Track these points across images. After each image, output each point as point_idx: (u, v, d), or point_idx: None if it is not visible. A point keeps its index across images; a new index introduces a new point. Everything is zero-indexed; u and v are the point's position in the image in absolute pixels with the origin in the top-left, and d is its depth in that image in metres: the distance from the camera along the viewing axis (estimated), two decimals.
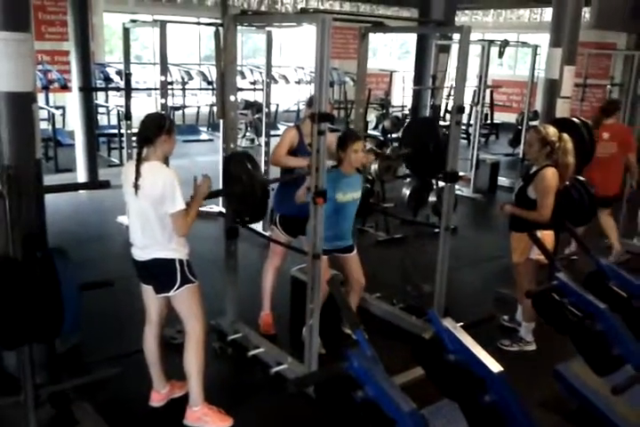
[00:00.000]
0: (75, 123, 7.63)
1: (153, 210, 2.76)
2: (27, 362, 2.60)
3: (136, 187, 2.74)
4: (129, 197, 2.83)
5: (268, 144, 6.05)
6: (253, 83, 12.00)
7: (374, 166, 4.63)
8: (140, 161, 2.76)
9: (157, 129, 2.79)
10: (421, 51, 8.22)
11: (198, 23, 9.54)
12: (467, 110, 8.12)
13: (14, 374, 2.89)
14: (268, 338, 3.64)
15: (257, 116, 10.19)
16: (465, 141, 9.93)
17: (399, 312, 4.07)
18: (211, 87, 11.56)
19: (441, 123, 8.95)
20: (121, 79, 9.50)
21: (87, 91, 7.44)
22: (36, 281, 2.46)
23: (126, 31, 6.07)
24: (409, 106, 10.59)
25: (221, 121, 6.48)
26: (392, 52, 17.72)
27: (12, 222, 2.55)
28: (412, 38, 14.51)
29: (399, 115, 10.95)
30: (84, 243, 5.25)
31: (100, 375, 2.98)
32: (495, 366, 1.73)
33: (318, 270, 3.07)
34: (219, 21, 6.47)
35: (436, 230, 3.89)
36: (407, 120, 9.69)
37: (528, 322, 3.82)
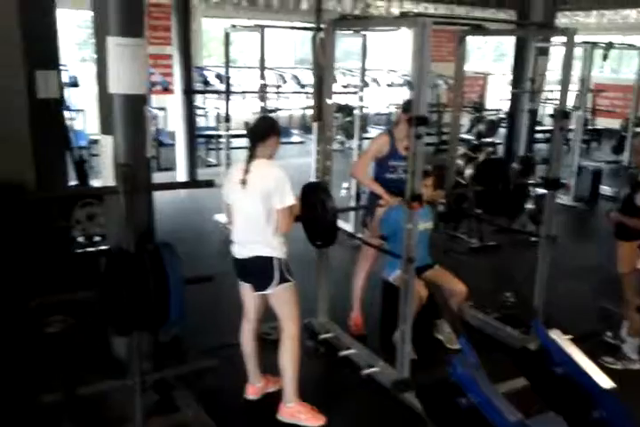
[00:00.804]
0: (176, 124, 7.99)
1: (260, 205, 2.86)
2: (135, 349, 2.76)
3: (244, 182, 2.85)
4: (235, 194, 2.94)
5: (360, 147, 6.09)
6: (345, 86, 12.07)
7: (468, 171, 4.57)
8: (251, 158, 2.89)
9: (270, 129, 2.94)
10: (520, 53, 8.01)
11: (297, 28, 9.72)
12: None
13: (122, 360, 3.07)
14: (358, 339, 3.66)
15: (347, 119, 10.25)
16: (565, 147, 9.54)
17: (494, 322, 3.97)
18: (304, 91, 11.74)
19: (538, 128, 8.68)
20: (221, 82, 9.86)
21: (189, 93, 7.77)
22: (146, 273, 2.61)
23: (227, 36, 6.30)
24: (503, 109, 10.34)
25: (315, 124, 6.66)
26: (486, 55, 17.31)
27: (126, 217, 2.72)
28: (507, 41, 14.16)
29: (493, 118, 10.68)
30: (183, 239, 5.46)
31: (199, 366, 3.11)
32: (606, 382, 1.66)
33: (412, 274, 3.06)
34: (317, 26, 6.59)
35: (534, 239, 3.78)
36: (502, 124, 9.45)
37: (634, 338, 3.62)
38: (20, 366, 3.41)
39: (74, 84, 8.19)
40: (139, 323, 2.65)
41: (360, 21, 4.66)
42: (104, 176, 3.21)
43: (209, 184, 3.05)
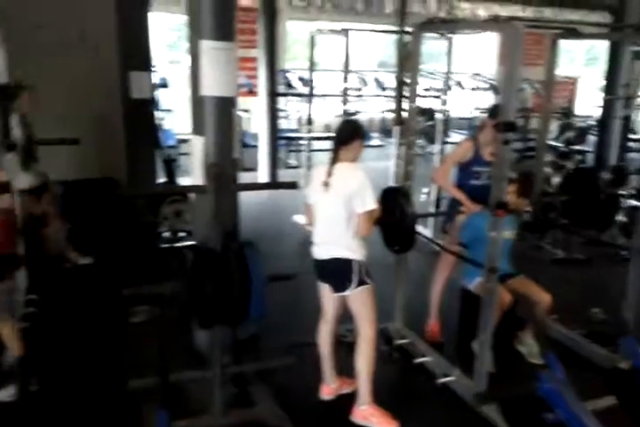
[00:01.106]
0: (259, 126, 8.16)
1: (342, 208, 2.88)
2: (217, 342, 2.85)
3: (326, 184, 2.89)
4: (317, 196, 2.98)
5: (442, 152, 6.01)
6: (427, 89, 11.95)
7: (556, 179, 4.42)
8: (334, 161, 2.92)
9: (354, 133, 2.96)
10: (614, 57, 7.65)
11: (381, 31, 9.70)
12: None
13: (203, 352, 3.18)
14: (434, 347, 3.61)
15: (429, 123, 10.13)
16: None
17: (579, 338, 3.78)
18: (385, 94, 11.70)
19: (632, 136, 8.27)
20: (304, 85, 9.98)
21: (274, 96, 7.92)
22: (231, 270, 2.69)
23: (312, 39, 6.38)
24: (594, 116, 9.91)
25: (395, 128, 6.63)
26: (576, 59, 16.65)
27: (214, 216, 2.81)
28: (600, 44, 13.55)
29: (583, 125, 10.26)
30: (263, 238, 5.58)
31: (276, 363, 3.17)
32: None
33: (494, 284, 3.00)
34: (404, 29, 6.56)
35: (625, 252, 3.60)
36: (591, 131, 9.06)
37: None
38: (109, 352, 3.60)
39: (164, 85, 8.53)
40: (221, 317, 2.74)
41: (448, 25, 4.61)
42: (194, 175, 3.34)
43: (292, 186, 3.11)
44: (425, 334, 3.86)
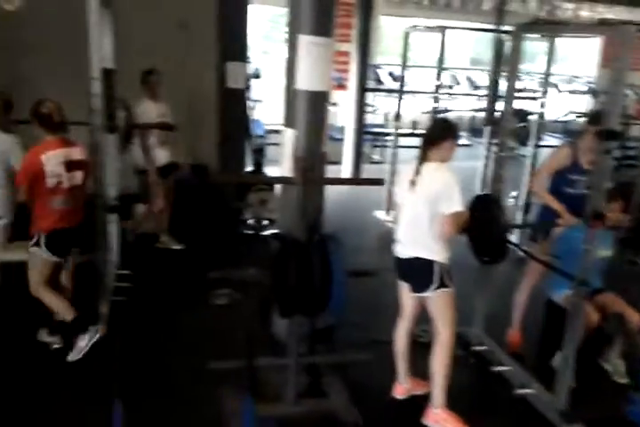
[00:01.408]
0: (346, 119, 8.18)
1: (427, 208, 2.84)
2: (295, 331, 2.90)
3: (413, 183, 2.85)
4: (403, 194, 2.96)
5: (535, 156, 5.79)
6: (520, 90, 11.56)
7: None
8: (422, 160, 2.88)
9: (447, 133, 2.89)
10: None
11: (479, 29, 9.46)
12: None
13: (280, 340, 3.24)
14: (513, 357, 3.51)
15: (521, 124, 9.81)
16: None
17: None
18: (476, 93, 11.42)
19: None
20: (394, 80, 9.90)
21: (364, 91, 7.89)
22: (314, 262, 2.72)
23: (406, 36, 6.30)
24: None
25: (486, 128, 6.46)
26: None
27: (299, 207, 2.85)
28: None
29: None
30: (344, 232, 5.59)
31: (352, 358, 3.19)
32: None
33: (582, 298, 2.88)
34: (499, 28, 6.37)
35: None
36: None
37: None
38: (191, 331, 3.73)
39: (256, 75, 8.68)
40: (301, 307, 2.78)
41: (553, 27, 4.42)
42: (282, 166, 3.39)
43: (378, 182, 3.10)
44: (505, 342, 3.75)
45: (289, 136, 3.35)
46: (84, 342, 3.33)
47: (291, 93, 3.35)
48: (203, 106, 6.01)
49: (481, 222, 3.16)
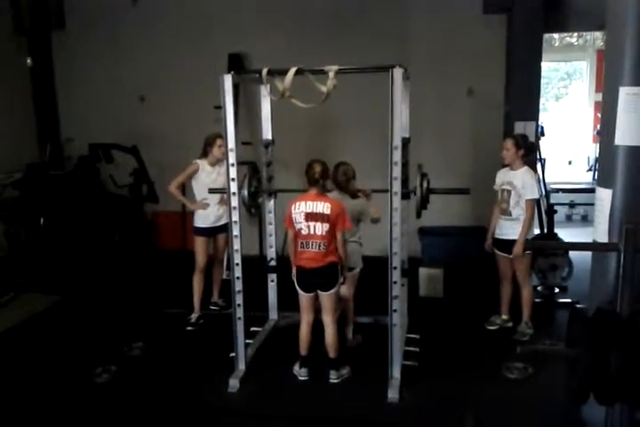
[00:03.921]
0: None
1: None
2: (615, 421, 2.51)
3: None
4: None
5: None
6: None
7: None
8: None
9: None
10: None
11: None
12: None
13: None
14: None
15: None
16: None
17: None
18: None
19: None
20: None
21: None
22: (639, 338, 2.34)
23: None
24: None
25: None
26: None
27: (623, 277, 2.51)
28: None
29: None
30: None
31: None
32: None
33: None
34: None
35: None
36: None
37: None
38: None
39: (541, 132, 8.33)
40: (627, 395, 2.40)
41: None
42: (597, 230, 3.07)
43: None
44: None
45: (605, 197, 3.03)
46: None
47: (606, 150, 3.07)
48: (487, 167, 5.94)
49: None
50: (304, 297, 3.79)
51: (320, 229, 3.68)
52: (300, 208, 3.70)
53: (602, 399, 2.50)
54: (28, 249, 6.32)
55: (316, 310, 3.83)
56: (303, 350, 3.83)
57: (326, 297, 3.75)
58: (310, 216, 3.68)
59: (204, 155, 4.72)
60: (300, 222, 3.70)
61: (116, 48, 6.88)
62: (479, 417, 2.55)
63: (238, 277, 3.81)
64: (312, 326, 3.82)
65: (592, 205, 3.34)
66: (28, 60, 6.98)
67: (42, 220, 6.36)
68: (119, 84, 6.93)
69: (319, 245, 3.68)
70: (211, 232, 4.82)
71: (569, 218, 8.65)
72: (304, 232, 3.71)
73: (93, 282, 5.94)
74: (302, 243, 3.73)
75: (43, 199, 6.46)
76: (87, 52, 6.95)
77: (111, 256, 6.50)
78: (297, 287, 3.79)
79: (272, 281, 4.61)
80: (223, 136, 3.79)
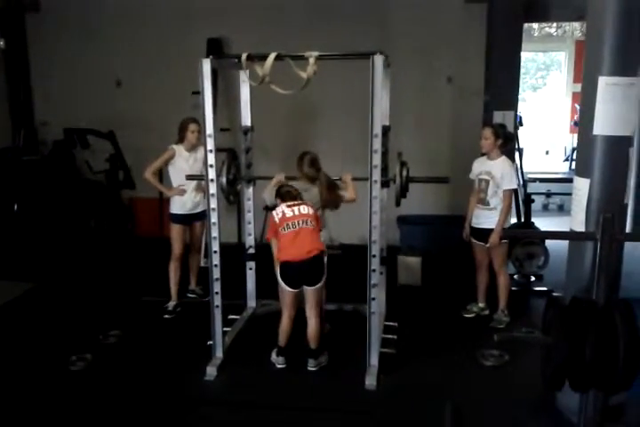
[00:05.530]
0: None
1: None
2: (588, 407, 2.55)
3: None
4: None
5: None
6: None
7: None
8: None
9: None
10: None
11: None
12: None
13: (564, 412, 2.88)
14: None
15: None
16: None
17: None
18: None
19: None
20: None
21: None
22: (618, 329, 2.37)
23: None
24: None
25: None
26: None
27: (598, 267, 2.53)
28: None
29: None
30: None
31: None
32: None
33: None
34: None
35: None
36: None
37: None
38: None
39: (520, 122, 8.37)
40: (600, 382, 2.43)
41: None
42: (574, 220, 3.09)
43: None
44: None
45: (582, 187, 3.05)
46: None
47: (584, 140, 3.09)
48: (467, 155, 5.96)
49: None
50: (289, 293, 3.73)
51: (305, 209, 3.74)
52: (280, 210, 3.78)
53: (577, 386, 2.54)
54: (2, 235, 6.20)
55: (299, 302, 3.81)
56: (282, 341, 3.80)
57: (312, 291, 3.72)
58: (292, 207, 3.75)
59: (181, 140, 4.66)
60: (283, 212, 3.73)
61: (92, 31, 6.71)
62: (457, 405, 2.56)
63: (216, 265, 3.77)
64: (294, 320, 3.79)
65: (568, 194, 3.37)
66: (1, 43, 6.78)
67: (15, 206, 6.24)
68: (95, 67, 6.78)
69: (306, 222, 3.69)
70: (187, 219, 4.77)
71: (545, 207, 8.74)
72: (289, 215, 3.71)
73: (68, 269, 5.85)
74: (288, 224, 3.69)
75: (16, 185, 6.33)
76: (62, 35, 6.78)
77: (87, 243, 6.40)
78: (282, 284, 3.72)
79: (250, 269, 4.58)
80: (200, 122, 3.73)
